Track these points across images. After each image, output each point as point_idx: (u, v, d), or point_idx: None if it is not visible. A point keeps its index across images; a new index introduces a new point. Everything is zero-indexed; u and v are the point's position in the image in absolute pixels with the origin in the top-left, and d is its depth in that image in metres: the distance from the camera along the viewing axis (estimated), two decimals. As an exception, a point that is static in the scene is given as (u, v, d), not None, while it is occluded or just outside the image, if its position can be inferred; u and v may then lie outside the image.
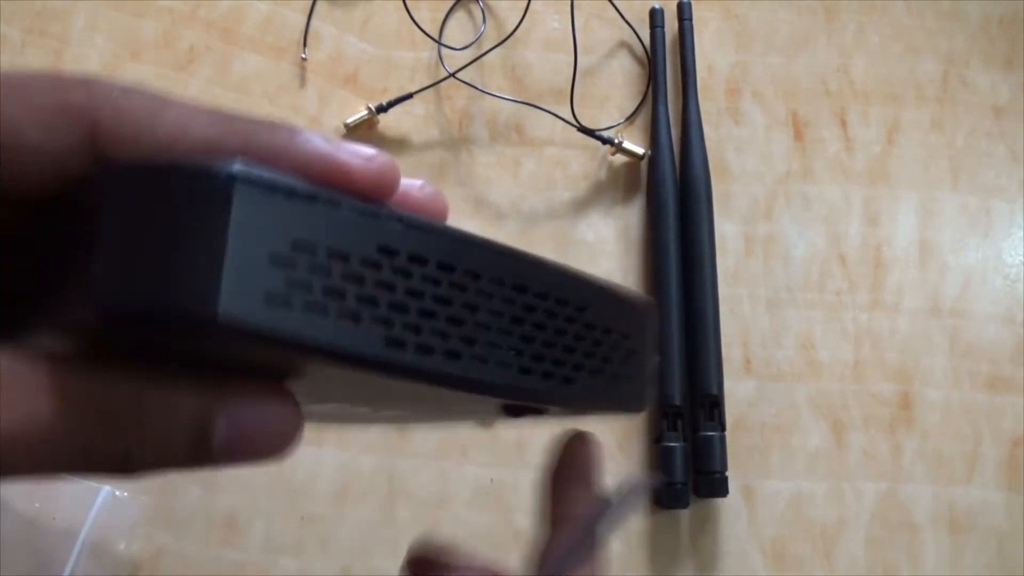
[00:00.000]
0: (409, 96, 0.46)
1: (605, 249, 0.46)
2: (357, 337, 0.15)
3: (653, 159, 0.46)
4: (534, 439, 0.43)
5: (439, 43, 0.47)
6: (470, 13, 0.49)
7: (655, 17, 0.48)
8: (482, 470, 0.43)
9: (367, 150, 0.17)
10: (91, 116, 0.16)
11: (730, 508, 0.43)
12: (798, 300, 0.46)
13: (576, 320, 0.19)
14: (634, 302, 0.21)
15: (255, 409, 0.16)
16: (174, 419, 0.15)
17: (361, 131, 0.46)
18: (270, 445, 0.16)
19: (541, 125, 0.47)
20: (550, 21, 0.49)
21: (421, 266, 0.16)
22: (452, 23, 0.48)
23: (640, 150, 0.46)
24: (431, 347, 0.16)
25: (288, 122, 0.17)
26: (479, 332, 0.17)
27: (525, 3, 0.48)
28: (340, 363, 0.15)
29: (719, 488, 0.42)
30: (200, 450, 0.16)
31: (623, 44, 0.49)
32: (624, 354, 0.21)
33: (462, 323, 0.16)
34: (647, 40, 0.48)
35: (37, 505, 0.38)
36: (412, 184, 0.18)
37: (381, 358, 0.15)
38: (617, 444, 0.44)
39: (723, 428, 0.42)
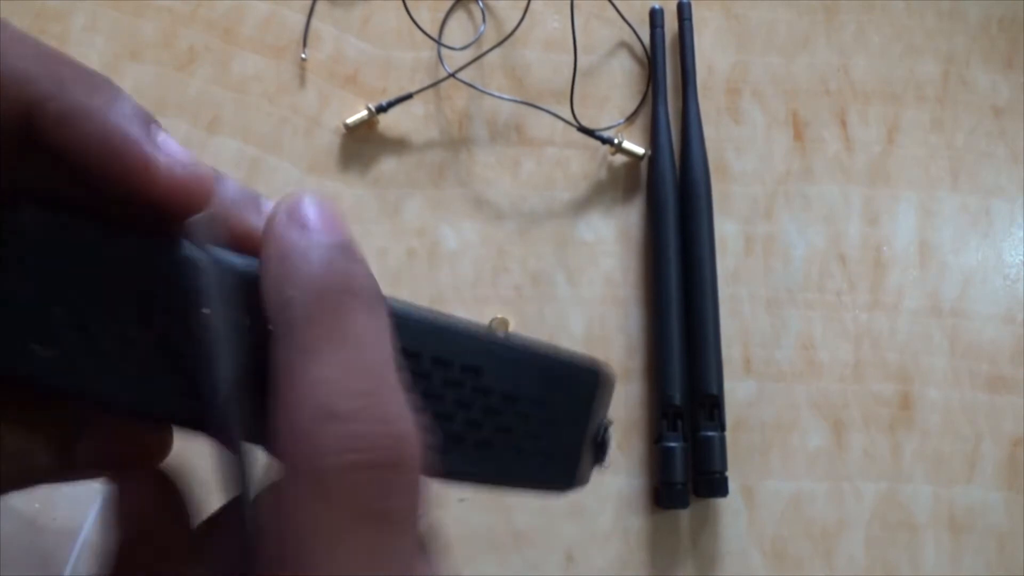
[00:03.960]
0: (409, 96, 0.46)
1: (605, 249, 0.46)
2: None
3: (653, 159, 0.46)
4: (534, 439, 0.43)
5: (439, 43, 0.47)
6: (470, 13, 0.49)
7: (655, 17, 0.48)
8: (482, 470, 0.43)
9: (187, 158, 0.16)
10: None
11: (730, 508, 0.43)
12: (798, 300, 0.46)
13: (460, 383, 0.17)
14: (570, 367, 0.18)
15: None
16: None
17: (361, 131, 0.46)
18: None
19: (541, 125, 0.47)
20: (550, 21, 0.49)
21: None
22: (452, 23, 0.48)
23: (640, 150, 0.46)
24: None
25: (119, 91, 0.15)
26: None
27: (525, 3, 0.48)
28: None
29: (719, 488, 0.42)
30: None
31: (623, 44, 0.49)
32: (535, 425, 0.18)
33: None
34: (647, 40, 0.48)
35: (37, 505, 0.38)
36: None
37: None
38: (617, 444, 0.44)
39: (723, 428, 0.42)
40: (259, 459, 0.16)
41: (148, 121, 0.15)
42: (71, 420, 0.17)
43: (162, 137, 0.15)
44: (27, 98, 0.14)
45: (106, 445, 0.18)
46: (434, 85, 0.47)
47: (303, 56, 0.47)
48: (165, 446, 0.19)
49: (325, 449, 0.14)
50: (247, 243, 0.17)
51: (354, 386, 0.15)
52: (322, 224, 0.16)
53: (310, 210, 0.16)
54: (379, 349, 0.15)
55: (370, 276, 0.16)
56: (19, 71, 0.14)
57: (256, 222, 0.18)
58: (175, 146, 0.16)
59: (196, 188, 0.16)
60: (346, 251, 0.16)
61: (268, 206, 0.18)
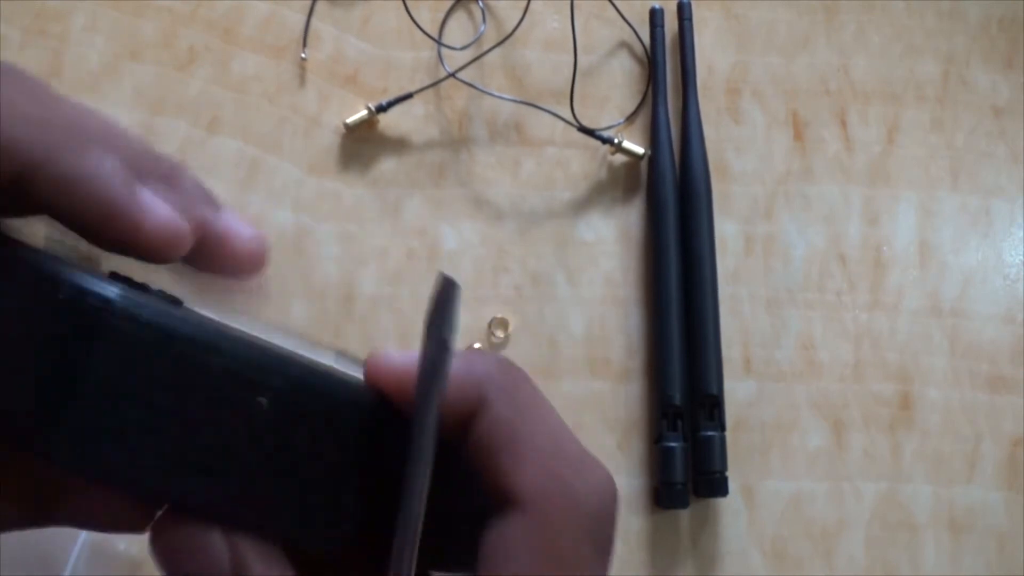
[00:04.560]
0: (409, 96, 0.46)
1: (605, 249, 0.46)
2: None
3: (653, 159, 0.46)
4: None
5: (439, 43, 0.47)
6: (470, 13, 0.49)
7: (655, 17, 0.48)
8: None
9: (167, 213, 0.17)
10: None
11: (730, 508, 0.43)
12: (798, 300, 0.46)
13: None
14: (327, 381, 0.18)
15: None
16: None
17: (361, 131, 0.46)
18: None
19: (541, 125, 0.47)
20: (550, 21, 0.49)
21: None
22: (452, 23, 0.48)
23: (640, 150, 0.46)
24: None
25: (103, 148, 0.16)
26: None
27: (525, 3, 0.48)
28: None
29: (719, 488, 0.42)
30: None
31: (623, 44, 0.49)
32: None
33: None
34: (647, 40, 0.48)
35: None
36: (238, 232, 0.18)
37: None
38: (617, 444, 0.44)
39: (723, 428, 0.42)
40: None
41: (133, 178, 0.16)
42: (49, 486, 0.17)
43: (146, 196, 0.16)
44: (18, 165, 0.15)
45: (91, 508, 0.17)
46: (434, 85, 0.47)
47: (303, 56, 0.47)
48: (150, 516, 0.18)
49: (576, 492, 0.17)
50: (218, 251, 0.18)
51: (571, 444, 0.18)
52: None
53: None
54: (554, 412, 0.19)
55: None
56: (11, 140, 0.15)
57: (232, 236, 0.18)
58: (158, 203, 0.17)
59: (177, 241, 0.17)
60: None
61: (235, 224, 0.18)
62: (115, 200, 0.16)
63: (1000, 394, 0.45)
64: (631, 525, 0.43)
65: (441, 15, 0.48)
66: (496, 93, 0.47)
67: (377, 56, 0.47)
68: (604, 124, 0.47)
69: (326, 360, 0.18)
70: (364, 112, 0.45)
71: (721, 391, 0.43)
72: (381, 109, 0.45)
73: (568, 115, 0.46)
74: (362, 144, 0.46)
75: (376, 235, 0.45)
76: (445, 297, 0.17)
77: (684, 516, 0.43)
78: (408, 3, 0.47)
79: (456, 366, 0.18)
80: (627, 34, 0.49)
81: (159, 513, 0.17)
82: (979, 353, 0.46)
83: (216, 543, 0.16)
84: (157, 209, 0.16)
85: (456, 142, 0.47)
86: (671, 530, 0.43)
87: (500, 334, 0.44)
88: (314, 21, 0.47)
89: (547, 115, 0.47)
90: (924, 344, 0.46)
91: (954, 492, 0.44)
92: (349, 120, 0.46)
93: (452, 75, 0.46)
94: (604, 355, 0.45)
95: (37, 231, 0.17)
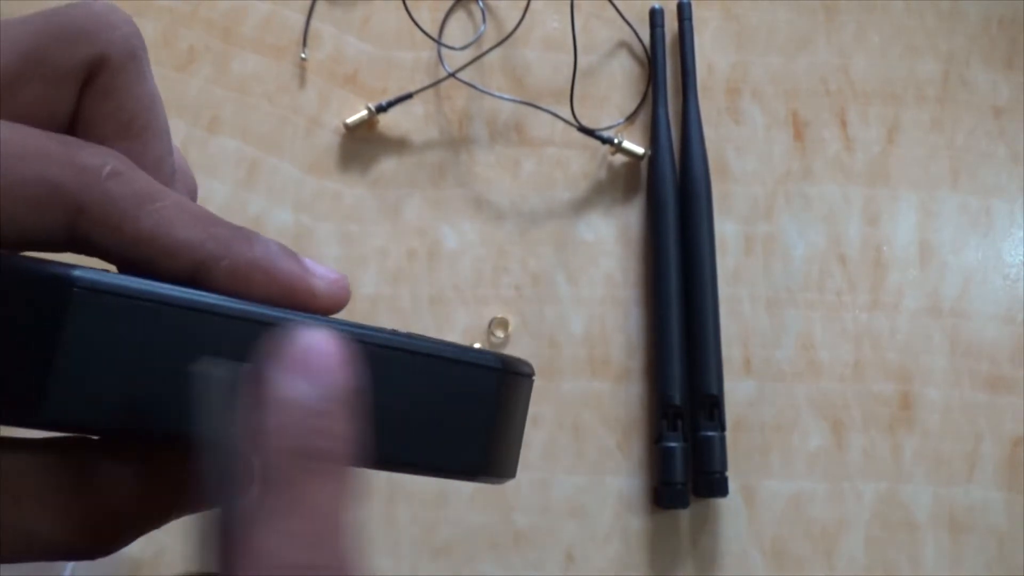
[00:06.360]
0: (409, 96, 0.46)
1: (605, 249, 0.46)
2: None
3: (653, 159, 0.46)
4: (534, 440, 0.43)
5: (439, 43, 0.47)
6: (470, 13, 0.49)
7: (655, 17, 0.48)
8: (482, 470, 0.43)
9: (332, 274, 0.18)
10: (78, 199, 0.16)
11: (730, 508, 0.43)
12: (798, 300, 0.46)
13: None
14: (466, 365, 0.19)
15: None
16: None
17: (361, 131, 0.46)
18: None
19: (541, 125, 0.47)
20: (550, 21, 0.49)
21: None
22: (452, 23, 0.48)
23: (640, 150, 0.46)
24: None
25: (259, 235, 0.18)
26: None
27: (525, 3, 0.48)
28: None
29: (719, 488, 0.42)
30: None
31: (623, 44, 0.49)
32: (443, 416, 0.19)
33: None
34: (647, 40, 0.48)
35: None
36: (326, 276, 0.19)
37: None
38: (617, 444, 0.44)
39: (723, 428, 0.42)
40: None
41: (294, 253, 0.18)
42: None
43: (310, 263, 0.18)
44: (196, 260, 0.17)
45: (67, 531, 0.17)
46: (434, 85, 0.47)
47: (303, 56, 0.47)
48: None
49: None
50: (290, 295, 0.18)
51: (297, 558, 0.15)
52: (310, 369, 0.16)
53: (299, 351, 0.16)
54: (331, 520, 0.15)
55: (345, 432, 0.16)
56: (185, 240, 0.17)
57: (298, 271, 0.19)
58: (321, 267, 0.18)
59: (345, 293, 0.18)
60: (327, 404, 0.16)
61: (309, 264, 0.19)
62: (293, 274, 0.17)
63: (1000, 394, 0.45)
64: (631, 525, 0.43)
65: (441, 15, 0.48)
66: (496, 93, 0.47)
67: (377, 56, 0.47)
68: (604, 124, 0.47)
69: None
70: (364, 112, 0.45)
71: (721, 391, 0.43)
72: (381, 109, 0.45)
73: (568, 115, 0.46)
74: (362, 144, 0.46)
75: (376, 235, 0.45)
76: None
77: (684, 516, 0.43)
78: (408, 3, 0.47)
79: (253, 415, 0.15)
80: (627, 34, 0.49)
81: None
82: (979, 353, 0.46)
83: None
84: (320, 271, 0.18)
85: (456, 142, 0.47)
86: (671, 530, 0.43)
87: (500, 334, 0.45)
88: (314, 21, 0.48)
89: (547, 115, 0.47)
90: (924, 344, 0.46)
91: (954, 492, 0.44)
92: (349, 120, 0.46)
93: (452, 75, 0.46)
94: (604, 355, 0.45)
95: None
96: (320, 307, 0.18)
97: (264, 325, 0.17)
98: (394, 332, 0.19)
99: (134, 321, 0.16)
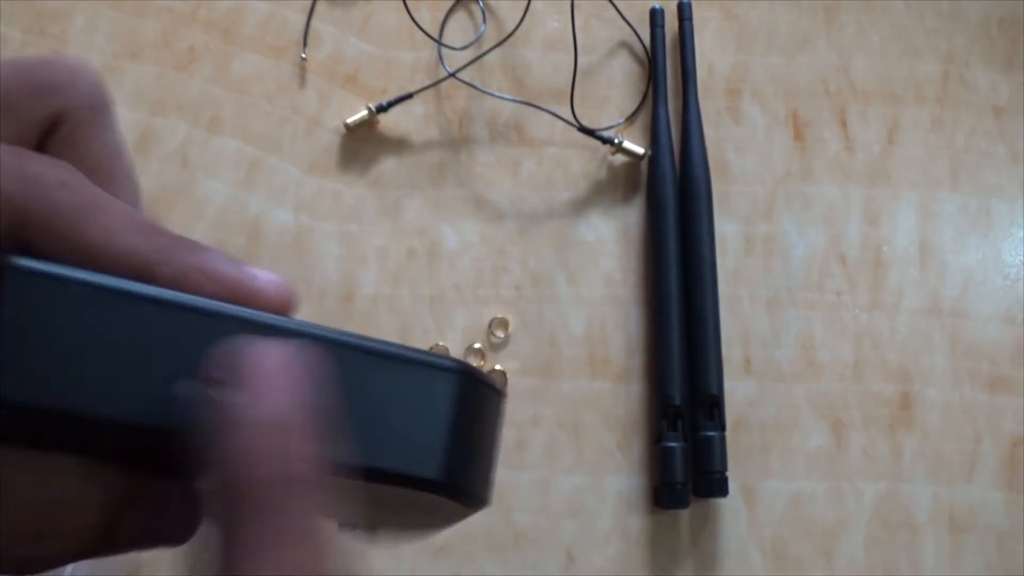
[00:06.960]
0: (409, 96, 0.46)
1: (605, 249, 0.46)
2: None
3: (653, 159, 0.46)
4: (534, 440, 0.43)
5: (439, 43, 0.47)
6: (470, 13, 0.49)
7: (655, 17, 0.48)
8: (482, 470, 0.43)
9: (275, 277, 0.18)
10: (23, 208, 0.16)
11: (730, 508, 0.43)
12: (798, 300, 0.46)
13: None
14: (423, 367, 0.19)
15: None
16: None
17: (361, 131, 0.46)
18: None
19: (541, 125, 0.47)
20: (550, 21, 0.49)
21: None
22: (452, 23, 0.48)
23: (640, 150, 0.46)
24: None
25: (202, 244, 0.18)
26: None
27: (525, 3, 0.48)
28: None
29: (719, 488, 0.42)
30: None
31: (623, 44, 0.49)
32: (396, 421, 0.18)
33: None
34: (647, 40, 0.48)
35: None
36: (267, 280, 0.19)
37: None
38: (617, 444, 0.44)
39: (723, 428, 0.42)
40: None
41: (237, 260, 0.18)
42: (120, 495, 0.18)
43: (252, 269, 0.18)
44: (138, 266, 0.17)
45: (149, 520, 0.19)
46: (434, 85, 0.47)
47: (303, 56, 0.47)
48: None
49: None
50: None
51: None
52: (272, 385, 0.16)
53: (257, 367, 0.16)
54: (318, 543, 0.15)
55: (308, 450, 0.16)
56: (130, 247, 0.17)
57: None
58: (264, 272, 0.19)
59: (290, 298, 0.18)
60: (295, 420, 0.15)
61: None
62: (235, 278, 0.18)
63: (1000, 394, 0.45)
64: (631, 525, 0.43)
65: (441, 15, 0.48)
66: (496, 93, 0.47)
67: (377, 56, 0.47)
68: (604, 124, 0.47)
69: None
70: (364, 112, 0.45)
71: (721, 391, 0.43)
72: (381, 109, 0.45)
73: (568, 115, 0.46)
74: (362, 144, 0.46)
75: (376, 235, 0.45)
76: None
77: (684, 516, 0.43)
78: (408, 3, 0.47)
79: (220, 443, 0.15)
80: (627, 34, 0.49)
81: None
82: (979, 353, 0.46)
83: None
84: (264, 275, 0.18)
85: (456, 142, 0.47)
86: (671, 530, 0.43)
87: (500, 334, 0.45)
88: (314, 21, 0.48)
89: (547, 115, 0.47)
90: (924, 344, 0.46)
91: (954, 492, 0.44)
92: (349, 120, 0.46)
93: (452, 75, 0.46)
94: (604, 355, 0.45)
95: None
96: (268, 307, 0.18)
97: (207, 316, 0.17)
98: (347, 333, 0.18)
99: (72, 306, 0.16)
